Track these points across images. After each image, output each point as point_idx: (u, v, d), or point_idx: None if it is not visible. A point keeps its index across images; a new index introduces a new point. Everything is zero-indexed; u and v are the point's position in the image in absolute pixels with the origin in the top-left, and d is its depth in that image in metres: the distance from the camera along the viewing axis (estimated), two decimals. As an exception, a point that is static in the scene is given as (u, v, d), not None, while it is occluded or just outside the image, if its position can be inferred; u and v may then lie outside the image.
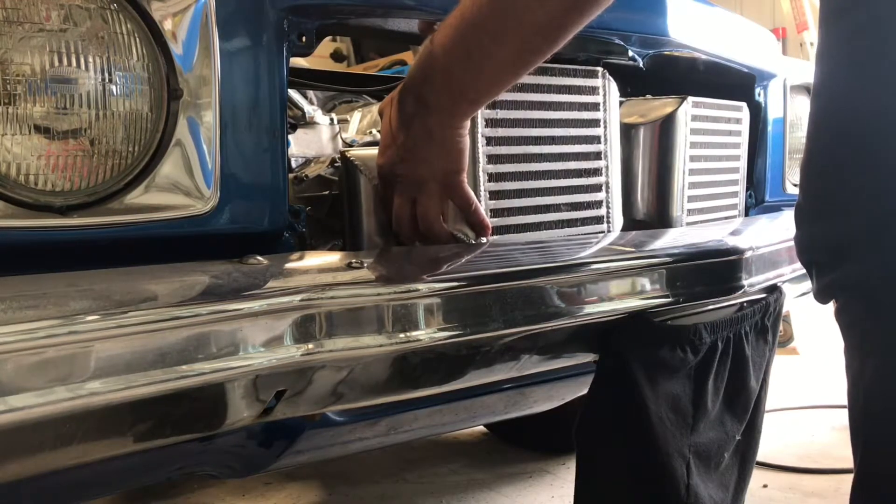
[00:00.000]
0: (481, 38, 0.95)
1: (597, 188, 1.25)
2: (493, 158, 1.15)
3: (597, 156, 1.25)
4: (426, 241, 1.08)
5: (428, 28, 1.11)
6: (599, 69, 1.24)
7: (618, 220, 1.29)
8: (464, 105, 1.01)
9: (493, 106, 1.13)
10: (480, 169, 1.13)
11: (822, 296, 0.84)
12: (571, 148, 1.22)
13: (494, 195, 1.14)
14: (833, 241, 0.81)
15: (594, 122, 1.24)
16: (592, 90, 1.23)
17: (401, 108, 1.02)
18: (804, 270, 1.34)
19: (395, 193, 1.05)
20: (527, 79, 1.16)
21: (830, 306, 0.84)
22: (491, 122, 1.14)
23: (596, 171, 1.25)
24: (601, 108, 1.24)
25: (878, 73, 0.76)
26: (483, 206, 1.12)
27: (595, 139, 1.24)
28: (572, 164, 1.22)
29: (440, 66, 0.98)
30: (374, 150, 1.10)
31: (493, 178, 1.15)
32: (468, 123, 1.04)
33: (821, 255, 0.83)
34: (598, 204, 1.25)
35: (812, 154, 0.84)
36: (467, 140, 1.04)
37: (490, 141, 1.14)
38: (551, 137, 1.20)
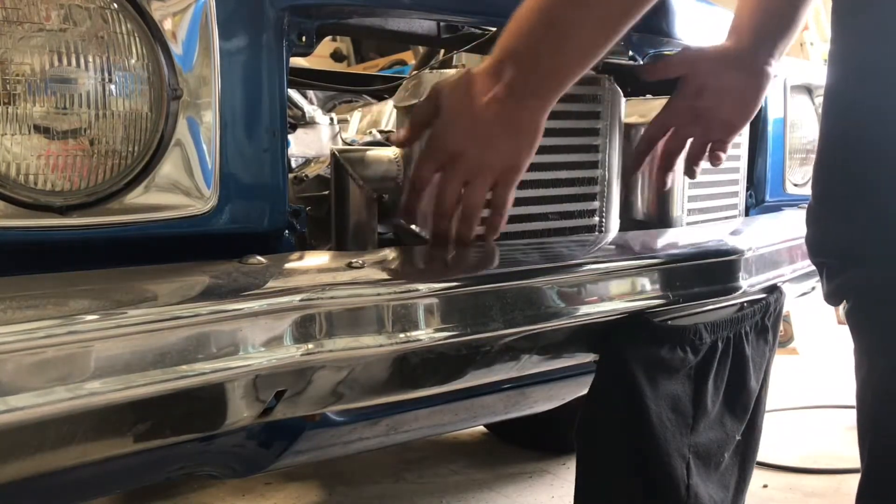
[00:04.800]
0: (564, 8, 0.95)
1: (590, 197, 1.23)
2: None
3: (593, 165, 1.23)
4: (440, 231, 1.05)
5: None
6: (604, 76, 1.23)
7: (613, 228, 1.28)
8: (552, 86, 1.00)
9: None
10: None
11: (832, 297, 0.85)
12: (566, 157, 1.20)
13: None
14: (842, 244, 0.82)
15: (592, 131, 1.22)
16: (593, 98, 1.22)
17: (480, 90, 0.99)
18: (804, 270, 1.36)
19: (448, 173, 1.01)
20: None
21: (831, 307, 0.85)
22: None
23: (591, 181, 1.23)
24: (601, 116, 1.23)
25: (889, 76, 0.76)
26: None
27: (593, 148, 1.23)
28: (563, 174, 1.20)
29: (524, 48, 0.97)
30: (363, 150, 1.09)
31: None
32: (547, 113, 1.02)
33: (830, 257, 0.84)
34: (590, 213, 1.24)
35: (822, 156, 0.84)
36: (542, 132, 1.02)
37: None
38: (544, 147, 1.18)
